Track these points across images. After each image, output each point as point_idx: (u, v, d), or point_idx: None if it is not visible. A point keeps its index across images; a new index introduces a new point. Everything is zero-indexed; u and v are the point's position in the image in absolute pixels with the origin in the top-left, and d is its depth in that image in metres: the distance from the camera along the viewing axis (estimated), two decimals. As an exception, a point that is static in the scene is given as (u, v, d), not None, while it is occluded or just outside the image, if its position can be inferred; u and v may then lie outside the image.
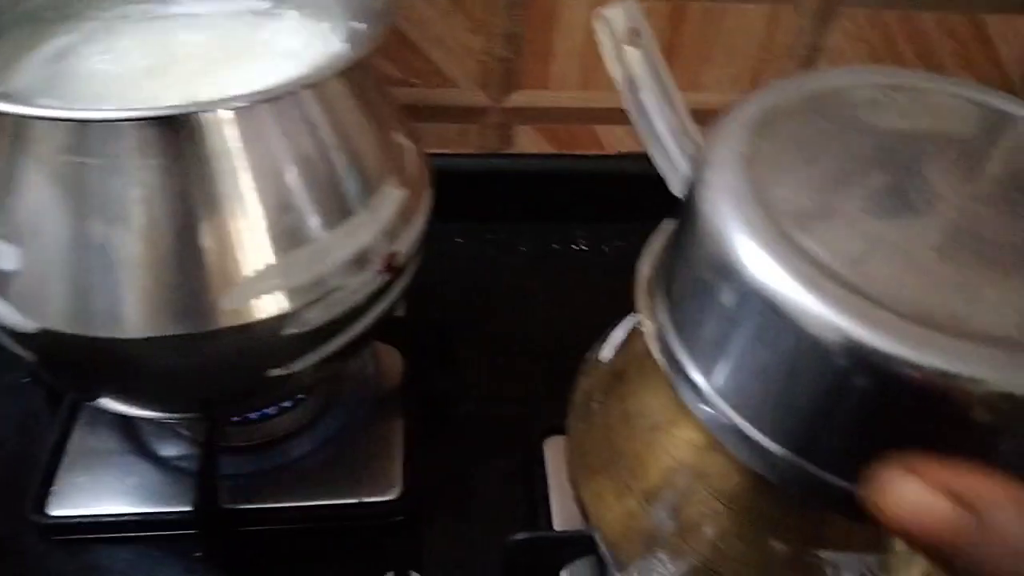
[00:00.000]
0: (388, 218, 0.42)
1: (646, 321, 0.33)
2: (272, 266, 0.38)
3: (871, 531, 0.30)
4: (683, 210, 0.32)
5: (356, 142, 0.41)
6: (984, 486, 0.21)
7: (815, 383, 0.26)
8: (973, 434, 0.24)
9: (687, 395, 0.31)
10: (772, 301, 0.26)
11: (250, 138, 0.37)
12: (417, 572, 0.48)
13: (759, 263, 0.27)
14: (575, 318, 0.52)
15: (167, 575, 0.48)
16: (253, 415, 0.52)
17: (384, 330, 0.55)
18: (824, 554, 0.31)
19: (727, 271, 0.27)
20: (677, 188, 0.37)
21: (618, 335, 0.42)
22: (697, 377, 0.30)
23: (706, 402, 0.30)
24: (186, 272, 0.38)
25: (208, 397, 0.44)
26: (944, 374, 0.24)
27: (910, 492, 0.22)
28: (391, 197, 0.42)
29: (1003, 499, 0.20)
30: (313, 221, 0.40)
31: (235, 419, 0.52)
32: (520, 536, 0.44)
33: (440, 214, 0.73)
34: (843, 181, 0.30)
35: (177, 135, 0.36)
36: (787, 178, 0.30)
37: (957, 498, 0.21)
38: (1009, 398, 0.24)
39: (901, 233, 0.28)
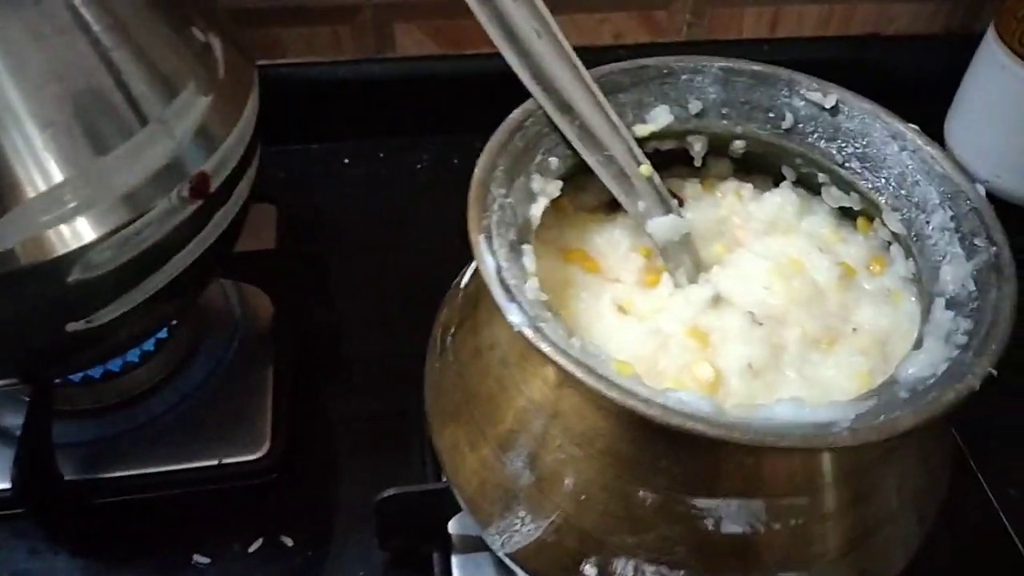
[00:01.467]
0: (189, 131, 0.35)
1: (474, 235, 0.27)
2: (41, 195, 0.31)
3: (753, 472, 0.25)
4: None
5: (139, 39, 0.34)
6: None
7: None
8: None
9: (526, 331, 0.25)
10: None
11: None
12: (289, 537, 0.43)
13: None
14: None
15: (8, 559, 0.42)
16: (95, 373, 0.46)
17: (242, 267, 0.48)
18: (700, 502, 0.26)
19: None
20: (528, 80, 0.31)
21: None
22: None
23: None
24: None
25: (9, 359, 0.38)
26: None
27: None
28: (192, 105, 0.35)
29: None
30: (91, 136, 0.32)
31: (74, 379, 0.46)
32: (388, 493, 0.38)
33: (322, 134, 0.66)
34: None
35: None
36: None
37: None
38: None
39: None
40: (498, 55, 0.64)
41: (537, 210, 0.30)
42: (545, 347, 0.24)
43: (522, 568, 0.30)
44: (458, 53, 0.63)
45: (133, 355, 0.46)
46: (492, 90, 0.63)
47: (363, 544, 0.42)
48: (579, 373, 0.23)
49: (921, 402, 0.23)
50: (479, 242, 0.26)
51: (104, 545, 0.42)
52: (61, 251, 0.32)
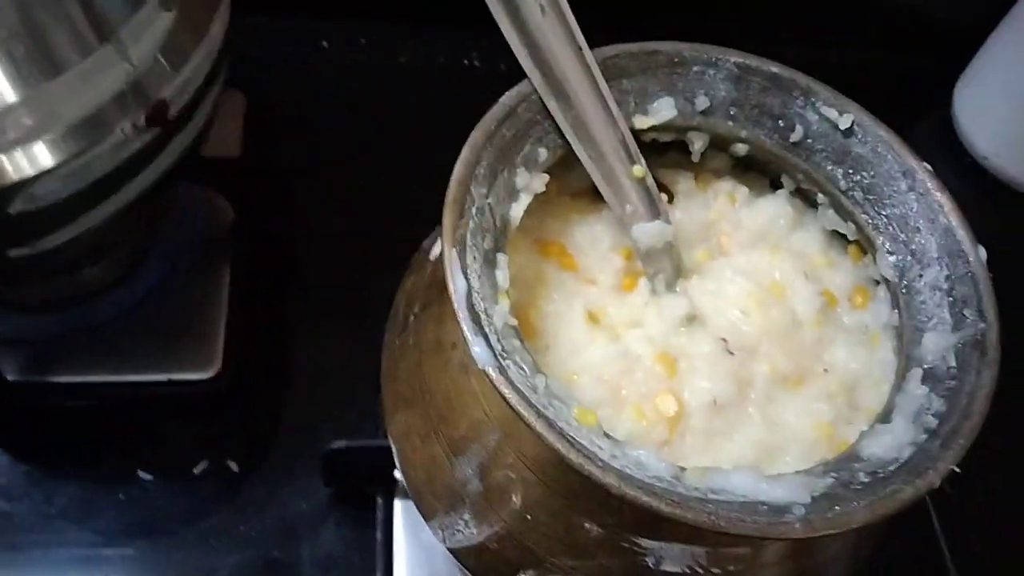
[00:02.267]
0: (148, 54, 0.31)
1: (447, 248, 0.25)
2: (-20, 122, 0.29)
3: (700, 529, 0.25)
4: None
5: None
6: None
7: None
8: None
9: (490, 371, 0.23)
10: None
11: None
12: (235, 462, 0.43)
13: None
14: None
15: (-54, 456, 0.42)
16: (41, 272, 0.43)
17: (204, 173, 0.46)
18: (645, 542, 0.26)
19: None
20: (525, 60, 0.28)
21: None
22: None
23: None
24: None
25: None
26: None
27: None
28: (152, 24, 0.32)
29: None
30: (39, 58, 0.29)
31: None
32: (337, 445, 0.38)
33: (301, 7, 0.61)
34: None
35: None
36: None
37: None
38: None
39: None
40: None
41: (518, 210, 0.28)
42: (507, 392, 0.23)
43: (461, 563, 0.30)
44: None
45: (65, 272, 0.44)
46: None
47: (309, 476, 0.42)
48: (539, 427, 0.22)
49: (878, 495, 0.23)
50: (452, 258, 0.25)
51: (47, 451, 0.42)
52: (1, 183, 0.30)
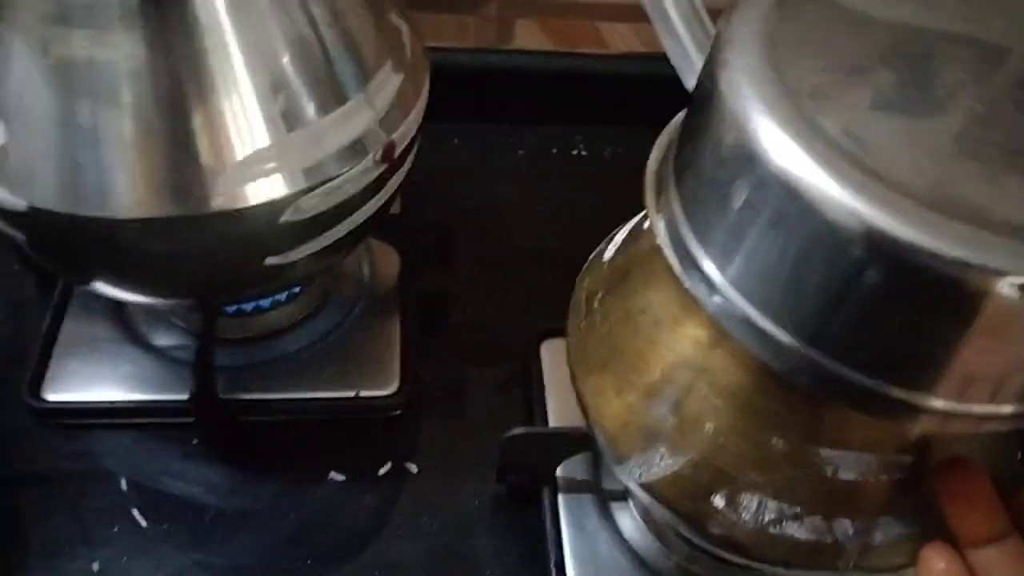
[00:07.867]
0: (385, 104, 0.40)
1: (653, 215, 0.32)
2: (265, 149, 0.37)
3: (870, 431, 0.31)
4: (699, 94, 0.31)
5: (350, 20, 0.39)
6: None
7: (830, 271, 0.25)
8: (989, 326, 0.24)
9: (697, 287, 0.30)
10: (790, 184, 0.25)
11: (239, 10, 0.36)
12: (414, 464, 0.49)
13: (779, 145, 0.26)
14: (572, 224, 0.52)
15: (165, 460, 0.49)
16: (247, 307, 0.52)
17: (380, 226, 0.54)
18: (823, 452, 0.31)
19: (745, 154, 0.26)
20: (690, 82, 0.36)
21: (621, 235, 0.41)
22: (708, 267, 0.30)
23: (717, 293, 0.30)
24: (177, 153, 0.36)
25: (204, 283, 0.44)
26: (964, 264, 0.23)
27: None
28: (388, 82, 0.41)
29: None
30: (308, 104, 0.38)
31: (229, 310, 0.52)
32: (516, 431, 0.44)
33: (436, 113, 0.72)
34: (863, 68, 0.28)
35: (160, 3, 0.34)
36: (808, 62, 0.28)
37: None
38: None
39: (921, 124, 0.27)
40: (603, 58, 0.69)
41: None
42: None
43: (654, 496, 0.35)
44: (569, 51, 0.68)
45: (281, 295, 0.52)
46: (594, 88, 0.70)
47: (479, 477, 0.48)
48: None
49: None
50: (659, 224, 0.32)
51: (253, 458, 0.49)
52: (280, 195, 0.38)
